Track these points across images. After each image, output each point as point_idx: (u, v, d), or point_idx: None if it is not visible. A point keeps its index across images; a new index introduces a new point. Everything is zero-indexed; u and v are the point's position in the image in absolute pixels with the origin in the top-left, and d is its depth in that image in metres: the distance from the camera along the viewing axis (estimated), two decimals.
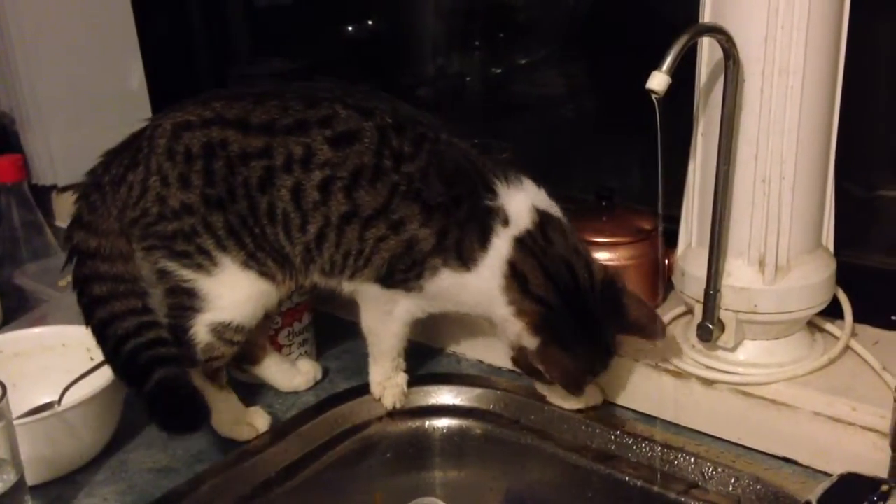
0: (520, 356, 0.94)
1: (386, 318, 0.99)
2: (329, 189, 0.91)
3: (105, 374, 0.97)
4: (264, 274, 0.95)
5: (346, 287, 0.97)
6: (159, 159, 0.94)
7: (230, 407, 1.01)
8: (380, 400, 1.06)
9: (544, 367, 0.91)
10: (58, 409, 0.94)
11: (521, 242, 0.91)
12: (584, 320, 0.90)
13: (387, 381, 1.05)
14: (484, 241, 0.91)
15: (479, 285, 0.92)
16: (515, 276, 0.90)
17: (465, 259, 0.91)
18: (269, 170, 0.91)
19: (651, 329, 0.92)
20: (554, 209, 0.95)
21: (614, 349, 0.93)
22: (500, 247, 0.90)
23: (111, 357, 0.93)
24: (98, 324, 0.93)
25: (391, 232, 0.91)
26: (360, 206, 0.91)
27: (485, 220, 0.91)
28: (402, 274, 0.93)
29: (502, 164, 0.97)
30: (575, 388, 0.94)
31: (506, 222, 0.91)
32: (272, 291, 0.96)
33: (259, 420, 1.02)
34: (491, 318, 0.94)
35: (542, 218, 0.92)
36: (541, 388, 1.03)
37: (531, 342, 0.91)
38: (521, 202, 0.92)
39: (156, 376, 0.88)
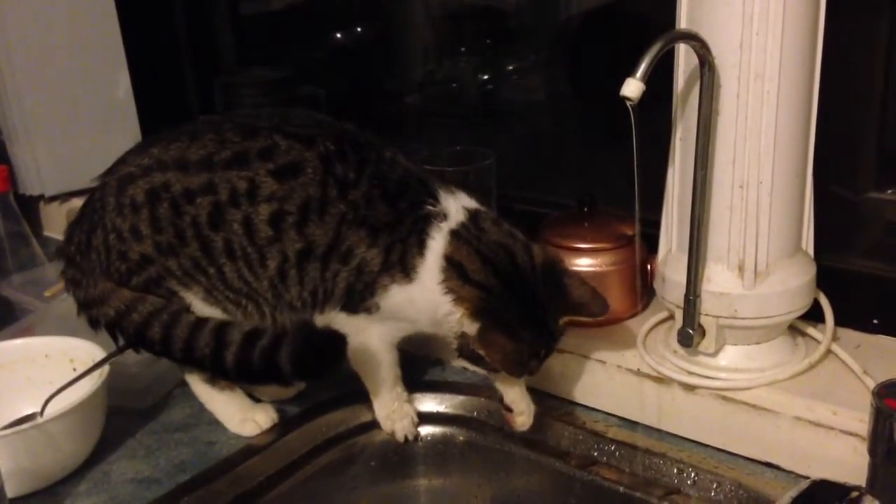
0: (463, 344, 0.92)
1: (364, 348, 0.98)
2: (280, 226, 0.91)
3: (87, 385, 0.97)
4: (225, 311, 0.96)
5: (319, 321, 0.96)
6: (111, 216, 0.95)
7: (236, 404, 1.03)
8: (392, 434, 1.04)
9: (485, 351, 0.89)
10: (39, 420, 0.94)
11: (454, 234, 0.91)
12: (525, 302, 0.90)
13: (393, 412, 1.04)
14: (422, 246, 0.91)
15: (424, 295, 0.91)
16: (452, 266, 0.90)
17: (407, 271, 0.91)
18: (216, 205, 0.91)
19: (593, 306, 0.91)
20: (485, 210, 0.96)
21: (558, 332, 0.92)
22: (436, 246, 0.91)
23: (222, 372, 0.93)
24: (182, 356, 0.93)
25: (342, 265, 0.92)
26: (313, 243, 0.91)
27: (423, 227, 0.91)
28: (359, 296, 0.93)
29: (443, 179, 0.98)
30: (517, 371, 0.92)
31: (445, 218, 0.91)
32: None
33: (261, 416, 1.03)
34: (440, 324, 0.93)
35: (473, 213, 0.93)
36: (492, 378, 1.01)
37: (471, 328, 0.89)
38: (457, 204, 0.93)
39: (283, 358, 0.87)
